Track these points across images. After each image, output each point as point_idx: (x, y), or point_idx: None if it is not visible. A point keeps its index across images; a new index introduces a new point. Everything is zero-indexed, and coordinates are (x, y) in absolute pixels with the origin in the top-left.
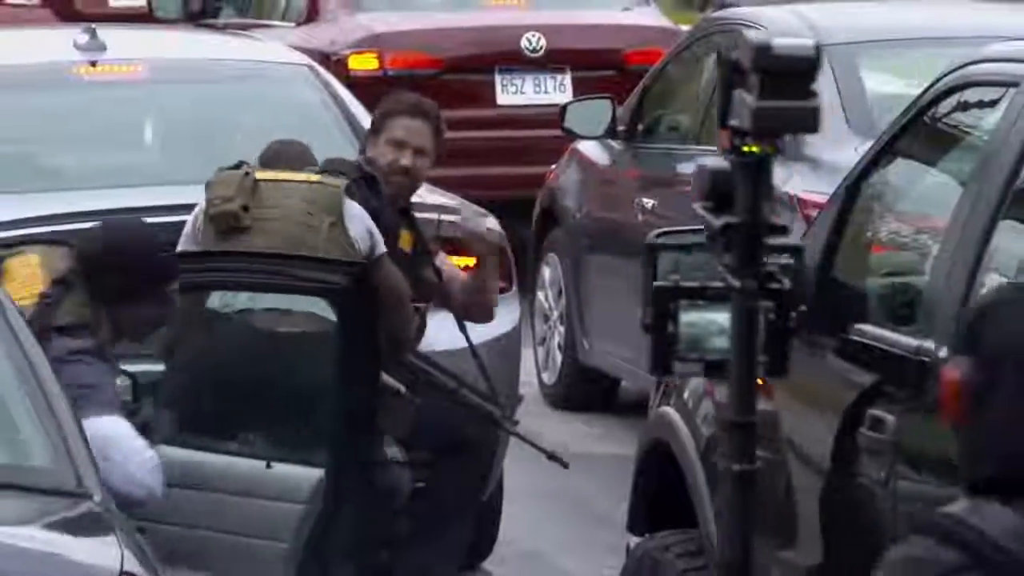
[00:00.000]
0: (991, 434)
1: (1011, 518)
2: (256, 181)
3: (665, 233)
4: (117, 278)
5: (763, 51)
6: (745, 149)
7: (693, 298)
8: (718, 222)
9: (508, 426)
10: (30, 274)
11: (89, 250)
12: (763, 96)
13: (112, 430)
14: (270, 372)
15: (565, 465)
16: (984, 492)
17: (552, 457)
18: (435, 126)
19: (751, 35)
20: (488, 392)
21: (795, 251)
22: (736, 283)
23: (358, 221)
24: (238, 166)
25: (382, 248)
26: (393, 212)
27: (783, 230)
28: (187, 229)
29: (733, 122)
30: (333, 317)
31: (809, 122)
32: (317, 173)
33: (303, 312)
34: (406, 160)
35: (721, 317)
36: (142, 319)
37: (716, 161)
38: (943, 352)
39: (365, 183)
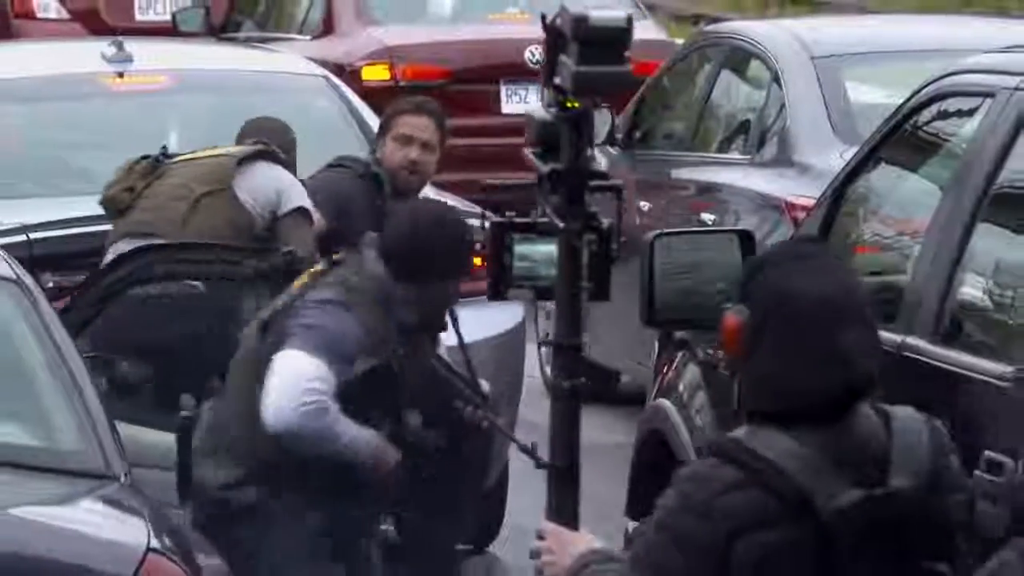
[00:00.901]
0: (761, 370)
1: (782, 440)
2: (156, 164)
3: (661, 234)
4: (420, 260)
5: (581, 22)
6: (568, 104)
7: (526, 232)
8: (545, 168)
9: (487, 416)
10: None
11: (396, 233)
12: (581, 61)
13: (285, 364)
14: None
15: (537, 460)
16: (758, 419)
17: (524, 450)
18: (439, 123)
19: (571, 8)
20: (471, 384)
21: (616, 190)
22: (560, 223)
23: (261, 183)
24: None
25: (290, 206)
26: None
27: (603, 175)
28: None
29: (557, 81)
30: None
31: (621, 84)
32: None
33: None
34: (413, 154)
35: (550, 249)
36: (439, 300)
37: (542, 112)
38: (927, 345)
39: (372, 181)
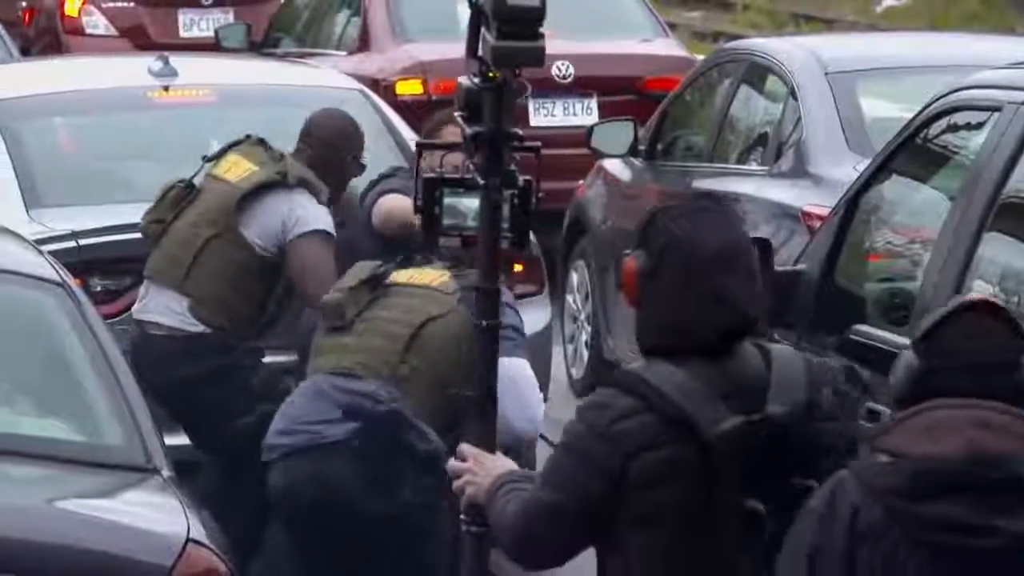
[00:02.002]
0: (655, 310)
1: (673, 373)
2: (187, 191)
3: None
4: None
5: (501, 3)
6: (490, 75)
7: (454, 187)
8: (470, 130)
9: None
10: None
11: None
12: (500, 37)
13: (520, 373)
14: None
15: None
16: (653, 354)
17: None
18: None
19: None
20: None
21: (535, 151)
22: (482, 179)
23: (264, 220)
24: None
25: (299, 231)
26: None
27: (520, 138)
28: None
29: (480, 54)
30: None
31: (534, 58)
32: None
33: None
34: (458, 160)
35: (474, 203)
36: None
37: (468, 82)
38: None
39: None
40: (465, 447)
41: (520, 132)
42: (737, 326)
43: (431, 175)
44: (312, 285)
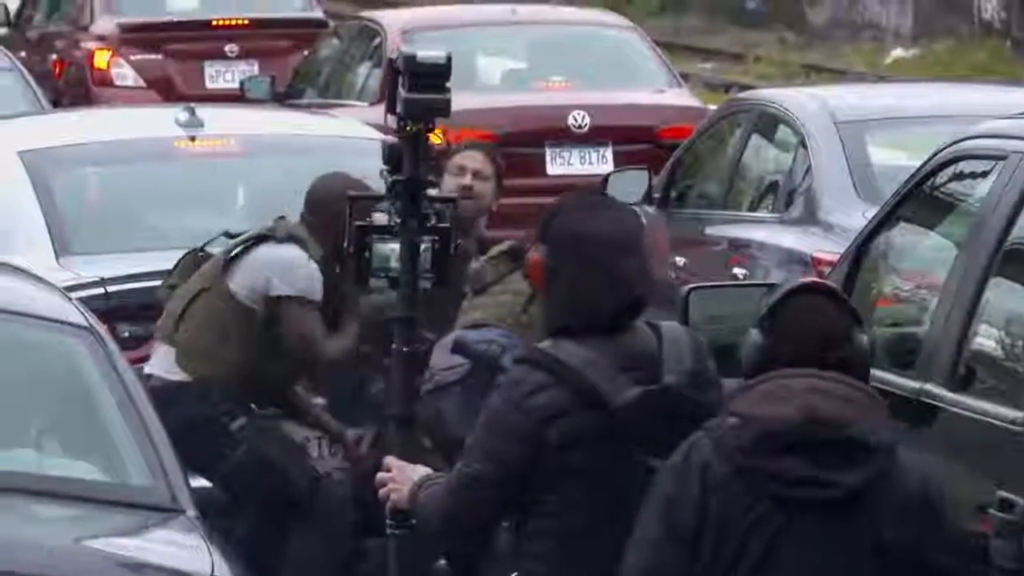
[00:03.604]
0: (558, 295)
1: (577, 349)
2: (199, 258)
3: (696, 288)
4: None
5: (410, 59)
6: (406, 128)
7: (382, 234)
8: (391, 180)
9: None
10: None
11: None
12: (411, 91)
13: None
14: None
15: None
16: (559, 335)
17: None
18: (491, 156)
19: (405, 49)
20: None
21: (450, 201)
22: (400, 224)
23: (251, 266)
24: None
25: (282, 291)
26: (468, 241)
27: (435, 185)
28: None
29: (397, 110)
30: None
31: (440, 109)
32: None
33: None
34: (466, 180)
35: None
36: None
37: (391, 138)
38: (943, 392)
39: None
40: (389, 459)
41: (436, 182)
42: (630, 306)
43: (361, 223)
44: (313, 349)
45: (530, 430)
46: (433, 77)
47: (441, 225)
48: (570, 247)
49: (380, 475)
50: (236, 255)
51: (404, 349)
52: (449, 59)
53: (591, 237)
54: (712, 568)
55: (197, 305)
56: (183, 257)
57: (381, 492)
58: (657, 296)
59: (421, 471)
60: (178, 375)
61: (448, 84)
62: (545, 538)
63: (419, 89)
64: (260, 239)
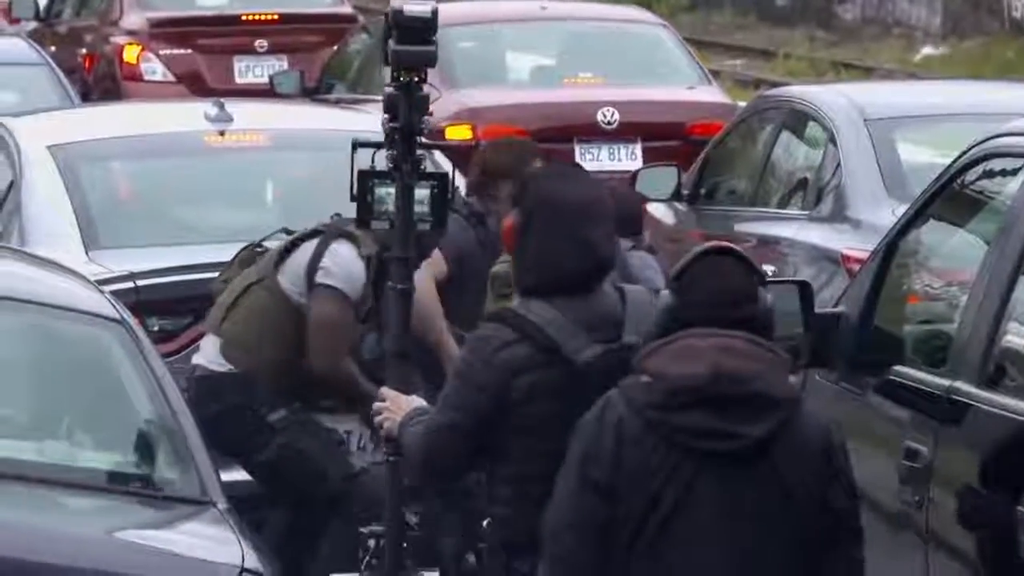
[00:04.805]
0: (528, 257)
1: (545, 309)
2: (255, 252)
3: None
4: None
5: (398, 13)
6: (401, 78)
7: (383, 179)
8: (387, 127)
9: None
10: None
11: None
12: (399, 43)
13: None
14: None
15: None
16: (528, 294)
17: None
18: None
19: (395, 3)
20: None
21: (449, 149)
22: (397, 170)
23: (293, 269)
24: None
25: (322, 280)
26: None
27: (429, 132)
28: None
29: (389, 62)
30: None
31: (426, 60)
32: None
33: None
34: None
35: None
36: None
37: (390, 88)
38: (973, 389)
39: (476, 219)
40: (384, 390)
41: (427, 127)
42: (596, 269)
43: (364, 169)
44: (317, 347)
45: (497, 383)
46: (419, 30)
47: (438, 171)
48: (540, 213)
49: (376, 404)
50: (288, 250)
51: (399, 287)
52: (435, 12)
53: (560, 204)
54: (627, 518)
55: (247, 298)
56: (240, 251)
57: (376, 420)
58: None
59: (414, 403)
60: (222, 366)
61: (434, 37)
62: (509, 484)
63: (406, 41)
64: (313, 234)
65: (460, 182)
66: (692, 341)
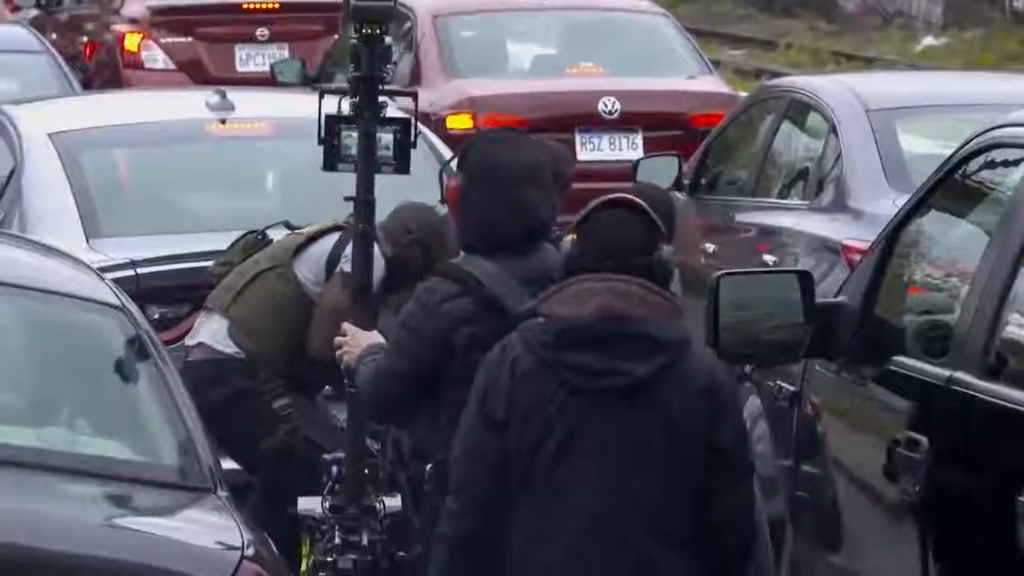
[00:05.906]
0: (470, 216)
1: (485, 265)
2: (260, 240)
3: (726, 274)
4: None
5: None
6: (364, 31)
7: (349, 124)
8: (351, 76)
9: None
10: None
11: None
12: None
13: None
14: None
15: None
16: (471, 252)
17: None
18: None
19: None
20: None
21: (411, 95)
22: (359, 116)
23: (313, 259)
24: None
25: (340, 268)
26: None
27: (388, 80)
28: None
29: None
30: None
31: (385, 14)
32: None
33: None
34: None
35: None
36: None
37: (353, 40)
38: (974, 380)
39: None
40: (346, 325)
41: (387, 75)
42: (535, 228)
43: (331, 114)
44: (318, 328)
45: (440, 333)
46: None
47: (401, 116)
48: (480, 175)
49: (338, 338)
50: (308, 242)
51: (360, 227)
52: None
53: (499, 167)
54: (521, 450)
55: (259, 283)
56: (241, 237)
57: (336, 354)
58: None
59: (372, 338)
60: (229, 347)
61: None
62: (447, 430)
63: None
64: (334, 229)
65: (424, 129)
66: (588, 284)
